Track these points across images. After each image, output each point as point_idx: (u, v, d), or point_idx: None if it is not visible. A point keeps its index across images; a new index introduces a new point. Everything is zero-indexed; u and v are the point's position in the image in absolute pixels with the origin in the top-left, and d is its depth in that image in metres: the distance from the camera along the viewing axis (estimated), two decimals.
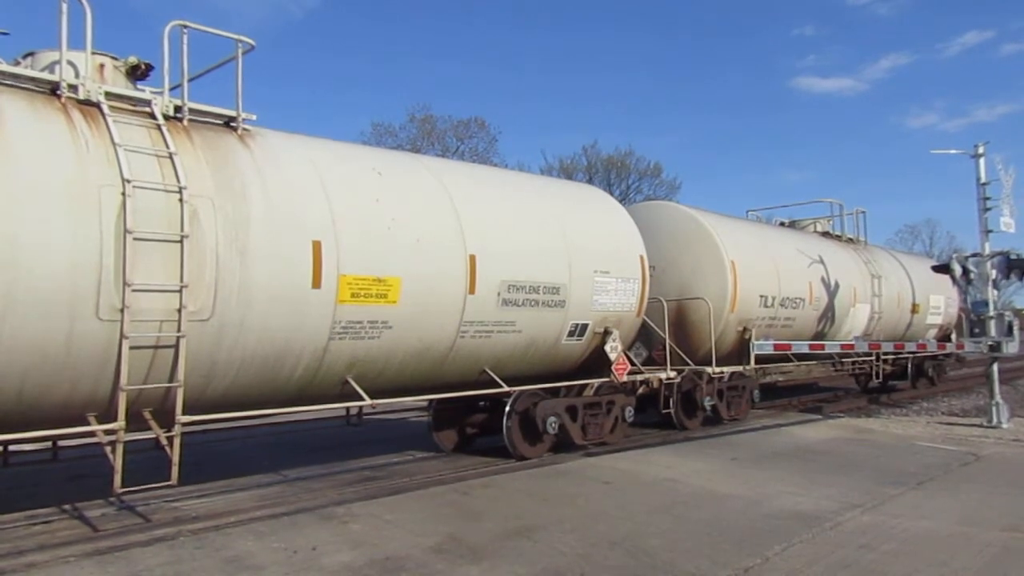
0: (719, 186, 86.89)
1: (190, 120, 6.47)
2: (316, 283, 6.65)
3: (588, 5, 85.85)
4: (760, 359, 12.61)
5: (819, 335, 14.03)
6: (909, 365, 17.78)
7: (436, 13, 75.95)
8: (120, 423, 5.62)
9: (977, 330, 12.66)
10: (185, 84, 6.46)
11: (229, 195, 6.24)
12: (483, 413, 9.97)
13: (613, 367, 9.63)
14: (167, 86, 6.38)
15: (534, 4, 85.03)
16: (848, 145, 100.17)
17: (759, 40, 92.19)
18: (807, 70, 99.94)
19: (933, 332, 18.40)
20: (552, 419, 9.12)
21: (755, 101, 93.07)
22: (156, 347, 5.79)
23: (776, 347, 12.45)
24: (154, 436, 5.98)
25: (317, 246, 6.67)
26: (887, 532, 5.94)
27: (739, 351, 12.33)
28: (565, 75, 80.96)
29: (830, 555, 5.35)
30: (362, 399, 7.22)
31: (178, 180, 5.89)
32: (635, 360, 11.41)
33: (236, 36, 6.76)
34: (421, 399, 8.50)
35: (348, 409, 8.59)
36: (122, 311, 5.52)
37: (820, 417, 13.67)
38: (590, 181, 44.50)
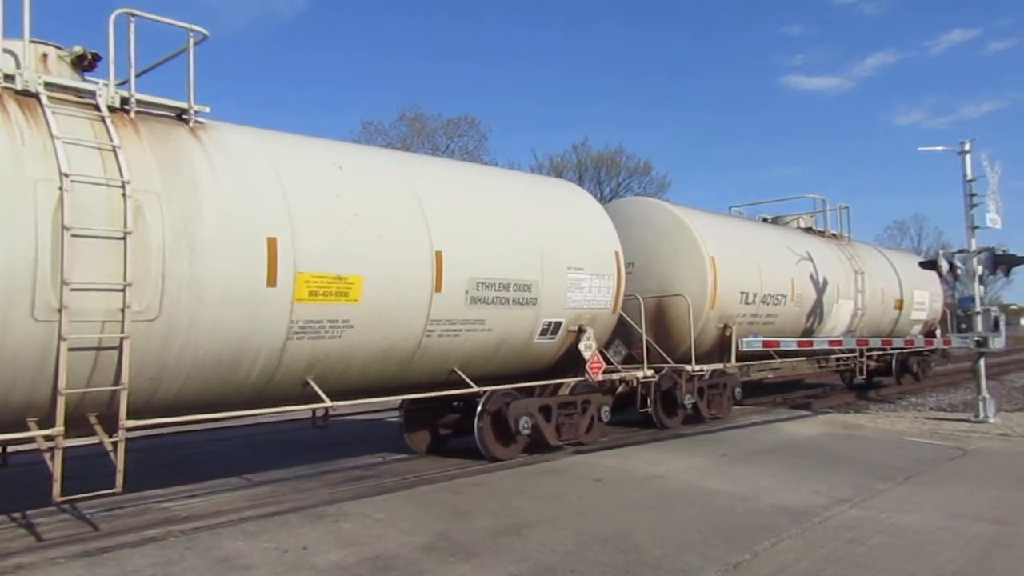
0: (709, 183, 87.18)
1: (138, 112, 6.21)
2: (271, 281, 6.41)
3: (579, 3, 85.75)
4: (745, 356, 12.47)
5: (801, 332, 13.88)
6: (894, 361, 17.67)
7: (426, 12, 75.73)
8: (59, 428, 5.37)
9: (964, 325, 12.65)
10: (132, 74, 6.20)
11: (178, 190, 6.00)
12: (457, 413, 9.75)
13: (587, 366, 9.43)
14: (113, 76, 6.11)
15: (525, 2, 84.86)
16: (837, 142, 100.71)
17: (747, 39, 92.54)
18: (795, 69, 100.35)
19: (917, 328, 18.30)
20: (524, 419, 8.91)
21: (744, 99, 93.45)
22: (98, 348, 5.55)
23: (765, 344, 12.28)
24: (115, 440, 5.71)
25: (272, 243, 6.43)
26: (875, 526, 5.93)
27: (720, 348, 12.16)
28: (556, 73, 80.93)
29: (818, 550, 5.34)
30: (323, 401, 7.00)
31: (121, 174, 5.64)
32: (613, 359, 11.24)
33: (188, 25, 6.51)
34: (388, 400, 8.27)
35: (314, 411, 8.36)
36: (60, 311, 5.27)
37: (809, 413, 13.67)
38: (580, 179, 44.42)
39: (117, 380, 5.66)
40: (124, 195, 5.61)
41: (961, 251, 12.73)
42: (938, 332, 18.84)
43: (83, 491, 7.07)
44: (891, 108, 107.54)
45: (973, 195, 12.64)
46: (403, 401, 9.51)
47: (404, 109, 40.26)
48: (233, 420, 7.42)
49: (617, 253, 9.92)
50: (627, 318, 10.77)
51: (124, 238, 5.57)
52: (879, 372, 17.67)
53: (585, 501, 6.86)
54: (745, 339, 11.82)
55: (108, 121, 5.84)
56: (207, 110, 6.62)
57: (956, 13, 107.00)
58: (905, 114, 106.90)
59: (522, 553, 5.28)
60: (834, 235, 16.34)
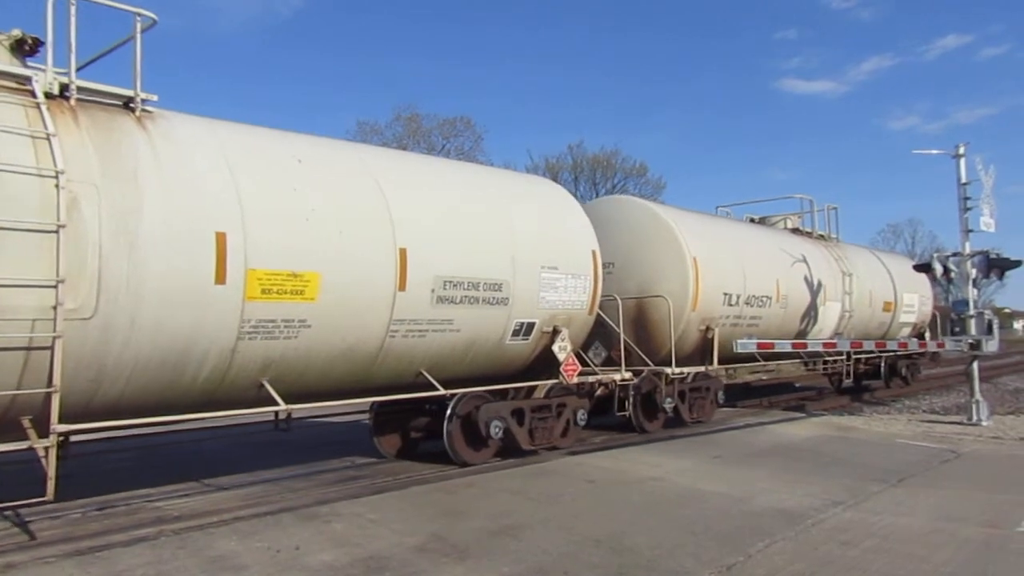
0: (705, 186, 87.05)
1: (79, 100, 5.89)
2: (220, 278, 6.10)
3: (576, 5, 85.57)
4: (728, 359, 12.20)
5: (786, 334, 13.60)
6: (882, 364, 17.41)
7: (423, 12, 75.48)
8: None
9: (957, 329, 12.66)
10: (72, 60, 5.88)
11: (118, 181, 5.69)
12: (429, 416, 9.43)
13: (562, 368, 9.13)
14: (51, 62, 5.81)
15: (522, 4, 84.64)
16: (832, 146, 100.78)
17: (744, 42, 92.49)
18: (791, 72, 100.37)
19: (906, 331, 18.04)
20: (496, 423, 8.61)
21: (741, 102, 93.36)
22: (29, 348, 5.23)
23: (760, 346, 12.01)
24: (47, 444, 5.39)
25: (221, 238, 6.13)
26: (868, 529, 5.91)
27: (702, 351, 11.87)
28: (552, 74, 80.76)
29: (812, 552, 5.33)
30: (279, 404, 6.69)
31: (55, 164, 5.33)
32: (592, 360, 10.96)
33: (134, 9, 6.20)
34: (350, 403, 7.93)
35: (276, 414, 8.06)
36: None
37: (803, 415, 13.61)
38: (576, 180, 44.18)
39: (50, 382, 5.34)
40: (58, 186, 5.30)
41: (955, 254, 12.71)
42: (927, 335, 18.60)
43: (75, 492, 7.14)
44: (886, 113, 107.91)
45: (967, 199, 12.63)
46: (373, 404, 9.21)
47: (400, 109, 40.15)
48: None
49: (594, 252, 9.64)
50: (607, 319, 10.49)
51: (57, 231, 5.26)
52: (867, 375, 17.43)
53: (579, 502, 6.82)
54: (739, 341, 11.54)
55: (43, 108, 5.52)
56: (155, 98, 6.31)
57: (950, 18, 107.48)
58: (900, 119, 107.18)
59: (516, 554, 5.25)
60: (822, 236, 16.06)
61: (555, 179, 43.11)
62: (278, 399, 6.65)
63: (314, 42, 76.51)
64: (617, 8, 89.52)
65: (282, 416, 7.96)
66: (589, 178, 44.97)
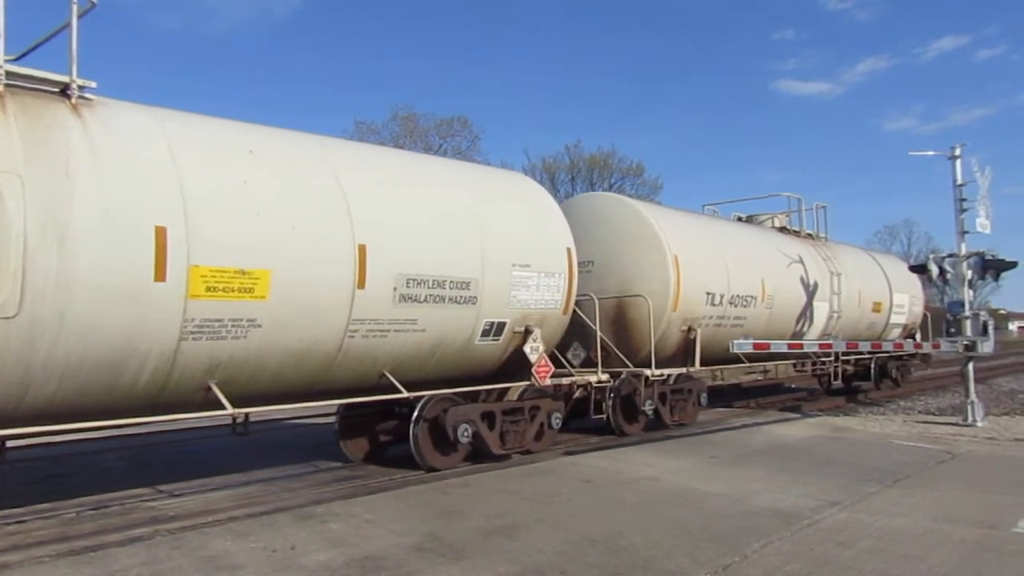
0: (702, 186, 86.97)
1: (7, 85, 5.56)
2: (160, 275, 5.77)
3: (574, 5, 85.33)
4: (709, 360, 11.88)
5: (772, 335, 13.27)
6: (873, 365, 17.09)
7: (421, 12, 75.24)
8: None
9: (953, 330, 12.55)
10: (0, 44, 5.56)
11: (47, 171, 5.36)
12: (398, 419, 9.11)
13: (534, 369, 8.81)
14: None
15: (521, 4, 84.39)
16: (828, 147, 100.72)
17: (741, 44, 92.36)
18: (788, 73, 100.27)
19: (896, 332, 17.73)
20: (464, 427, 8.28)
21: (738, 103, 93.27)
22: None
23: (756, 346, 11.68)
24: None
25: (161, 233, 5.80)
26: (864, 529, 5.91)
27: (685, 352, 11.56)
28: (550, 74, 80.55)
29: (807, 552, 5.31)
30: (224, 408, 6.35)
31: None
32: (571, 361, 10.65)
33: None
34: (309, 406, 7.60)
35: (234, 417, 7.72)
36: None
37: (798, 416, 13.49)
38: (573, 180, 44.01)
39: None
40: None
41: (951, 255, 12.56)
42: (918, 336, 18.29)
43: (70, 491, 7.17)
44: (882, 114, 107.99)
45: (963, 200, 12.47)
46: (339, 407, 8.88)
47: (397, 108, 39.93)
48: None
49: (569, 250, 9.32)
50: (585, 319, 10.18)
51: None
52: (857, 376, 17.11)
53: (575, 502, 6.82)
54: (735, 341, 11.20)
55: None
56: (93, 85, 5.99)
57: (946, 20, 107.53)
58: (896, 120, 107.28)
59: (512, 554, 5.24)
60: (810, 235, 15.75)
61: (552, 179, 43.03)
62: (225, 402, 6.32)
63: (312, 42, 76.36)
64: (615, 8, 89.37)
65: (239, 420, 7.65)
66: (586, 178, 44.87)
